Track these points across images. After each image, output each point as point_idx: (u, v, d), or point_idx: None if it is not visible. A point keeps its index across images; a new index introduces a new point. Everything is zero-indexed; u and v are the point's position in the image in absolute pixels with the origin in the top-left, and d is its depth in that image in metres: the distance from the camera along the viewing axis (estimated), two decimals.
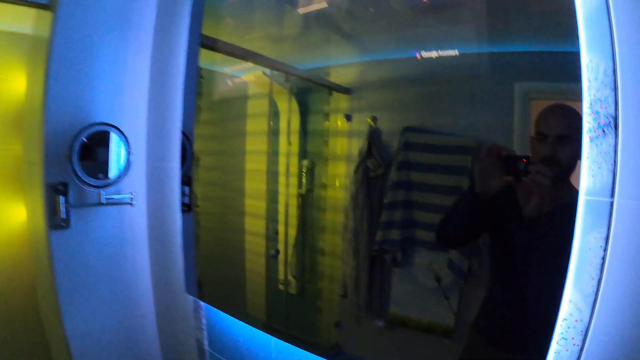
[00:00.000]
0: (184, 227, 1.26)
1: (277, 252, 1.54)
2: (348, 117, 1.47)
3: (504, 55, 1.26)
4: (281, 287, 1.68)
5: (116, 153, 1.11)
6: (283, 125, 1.48)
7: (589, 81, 0.50)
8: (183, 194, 1.25)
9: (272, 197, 1.57)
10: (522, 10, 1.12)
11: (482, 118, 1.15)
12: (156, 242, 1.34)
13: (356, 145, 1.46)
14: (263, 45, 1.47)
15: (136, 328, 1.36)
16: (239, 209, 1.70)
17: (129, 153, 1.13)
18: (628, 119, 0.47)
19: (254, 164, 1.60)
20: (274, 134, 1.50)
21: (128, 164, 1.13)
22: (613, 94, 0.50)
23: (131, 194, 1.21)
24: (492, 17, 1.16)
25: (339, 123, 1.44)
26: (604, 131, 0.49)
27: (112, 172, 1.12)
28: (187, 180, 1.27)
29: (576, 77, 0.54)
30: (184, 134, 1.21)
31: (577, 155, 0.50)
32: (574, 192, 0.51)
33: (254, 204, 1.64)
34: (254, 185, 1.62)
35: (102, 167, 1.09)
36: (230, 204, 1.72)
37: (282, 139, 1.49)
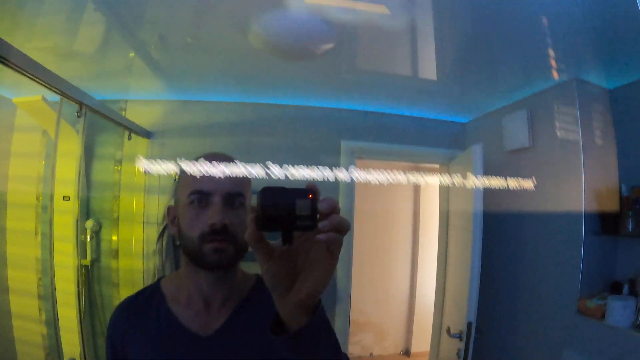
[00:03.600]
0: None
1: None
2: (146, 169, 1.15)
3: (333, 112, 1.22)
4: None
5: None
6: (62, 171, 1.08)
7: None
8: None
9: (45, 269, 1.14)
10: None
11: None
12: None
13: (156, 204, 1.15)
14: (47, 59, 1.08)
15: None
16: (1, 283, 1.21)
17: None
18: None
19: (20, 222, 1.15)
20: (46, 182, 1.10)
21: None
22: None
23: None
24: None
25: (136, 173, 1.12)
26: None
27: None
28: None
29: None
30: None
31: None
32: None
33: (21, 277, 1.18)
34: (20, 251, 1.16)
35: None
36: None
37: (59, 191, 1.09)
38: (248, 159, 1.17)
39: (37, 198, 1.11)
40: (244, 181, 0.48)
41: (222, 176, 0.47)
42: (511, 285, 1.11)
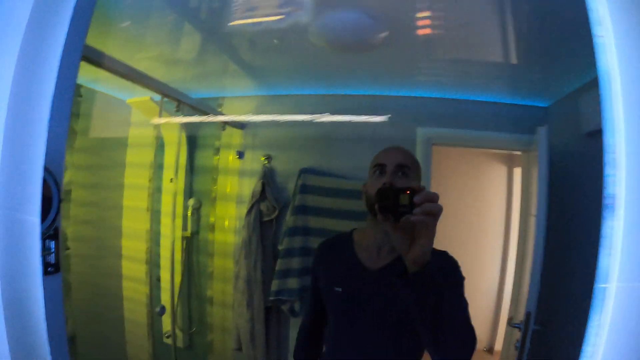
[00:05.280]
0: (47, 294, 0.97)
1: (163, 308, 1.32)
2: (240, 154, 1.33)
3: (408, 100, 1.25)
4: (167, 340, 1.45)
5: None
6: (169, 159, 1.29)
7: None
8: (47, 251, 0.97)
9: (154, 239, 1.36)
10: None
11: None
12: (12, 312, 1.03)
13: (248, 185, 1.34)
14: (154, 66, 1.29)
15: None
16: (116, 251, 1.45)
17: None
18: None
19: (134, 201, 1.37)
20: (158, 167, 1.31)
21: None
22: None
23: None
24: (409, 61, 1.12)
25: (230, 160, 1.30)
26: None
27: None
28: (53, 233, 0.99)
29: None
30: (47, 170, 0.94)
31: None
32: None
33: (133, 246, 1.41)
34: (134, 224, 1.39)
35: None
36: (107, 245, 1.46)
37: (167, 174, 1.30)
38: (328, 145, 1.31)
39: (149, 180, 1.32)
40: (408, 157, 0.66)
41: (393, 154, 0.66)
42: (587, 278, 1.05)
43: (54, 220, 0.99)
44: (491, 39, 0.98)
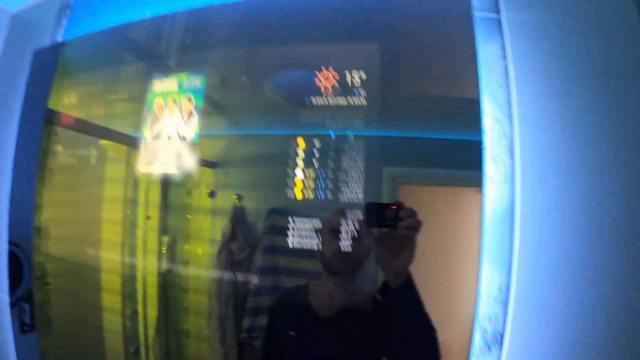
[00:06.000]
0: (21, 352, 1.00)
1: (137, 350, 1.35)
2: (212, 194, 1.36)
3: (374, 140, 1.40)
4: None
5: None
6: (142, 196, 1.31)
7: (482, 297, 0.50)
8: (22, 314, 1.00)
9: (131, 274, 1.38)
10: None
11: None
12: None
13: (220, 224, 1.37)
14: (123, 106, 1.31)
15: None
16: (95, 284, 1.47)
17: None
18: (514, 336, 0.47)
19: (111, 235, 1.40)
20: (132, 204, 1.33)
21: None
22: (504, 310, 0.50)
23: None
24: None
25: (202, 199, 1.32)
26: (489, 347, 0.48)
27: None
28: (26, 296, 1.02)
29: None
30: (14, 244, 0.96)
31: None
32: None
33: (111, 279, 1.43)
34: (109, 257, 1.41)
35: None
36: (85, 278, 1.48)
37: (141, 211, 1.31)
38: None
39: (124, 216, 1.34)
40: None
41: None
42: None
43: (26, 287, 1.00)
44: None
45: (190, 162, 1.26)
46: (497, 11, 0.63)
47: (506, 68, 0.57)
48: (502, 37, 0.61)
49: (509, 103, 0.57)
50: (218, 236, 1.29)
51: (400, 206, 0.57)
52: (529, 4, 0.58)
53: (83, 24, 1.23)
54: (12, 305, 0.85)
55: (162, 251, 1.35)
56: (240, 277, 1.29)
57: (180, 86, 1.14)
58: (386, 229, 0.56)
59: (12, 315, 0.92)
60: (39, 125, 0.75)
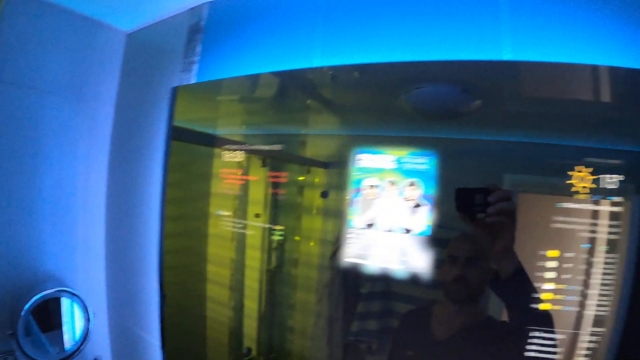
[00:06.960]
0: None
1: (249, 350, 1.40)
2: (324, 194, 1.35)
3: (495, 144, 1.27)
4: None
5: (70, 319, 0.92)
6: (254, 194, 1.33)
7: None
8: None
9: (239, 270, 1.42)
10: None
11: None
12: None
13: (332, 225, 1.34)
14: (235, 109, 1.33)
15: None
16: (202, 276, 1.54)
17: (87, 319, 0.94)
18: None
19: (218, 229, 1.45)
20: (243, 202, 1.36)
21: (86, 332, 0.95)
22: None
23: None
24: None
25: (314, 199, 1.31)
26: None
27: (68, 343, 0.94)
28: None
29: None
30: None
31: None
32: None
33: (218, 272, 1.49)
34: (218, 252, 1.47)
35: (55, 337, 0.91)
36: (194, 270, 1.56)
37: (251, 209, 1.34)
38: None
39: (234, 213, 1.37)
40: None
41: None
42: None
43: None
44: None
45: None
46: None
47: None
48: None
49: None
50: (330, 236, 1.27)
51: (489, 191, 0.53)
52: None
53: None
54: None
55: (272, 248, 1.37)
56: (351, 280, 1.26)
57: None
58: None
59: None
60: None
